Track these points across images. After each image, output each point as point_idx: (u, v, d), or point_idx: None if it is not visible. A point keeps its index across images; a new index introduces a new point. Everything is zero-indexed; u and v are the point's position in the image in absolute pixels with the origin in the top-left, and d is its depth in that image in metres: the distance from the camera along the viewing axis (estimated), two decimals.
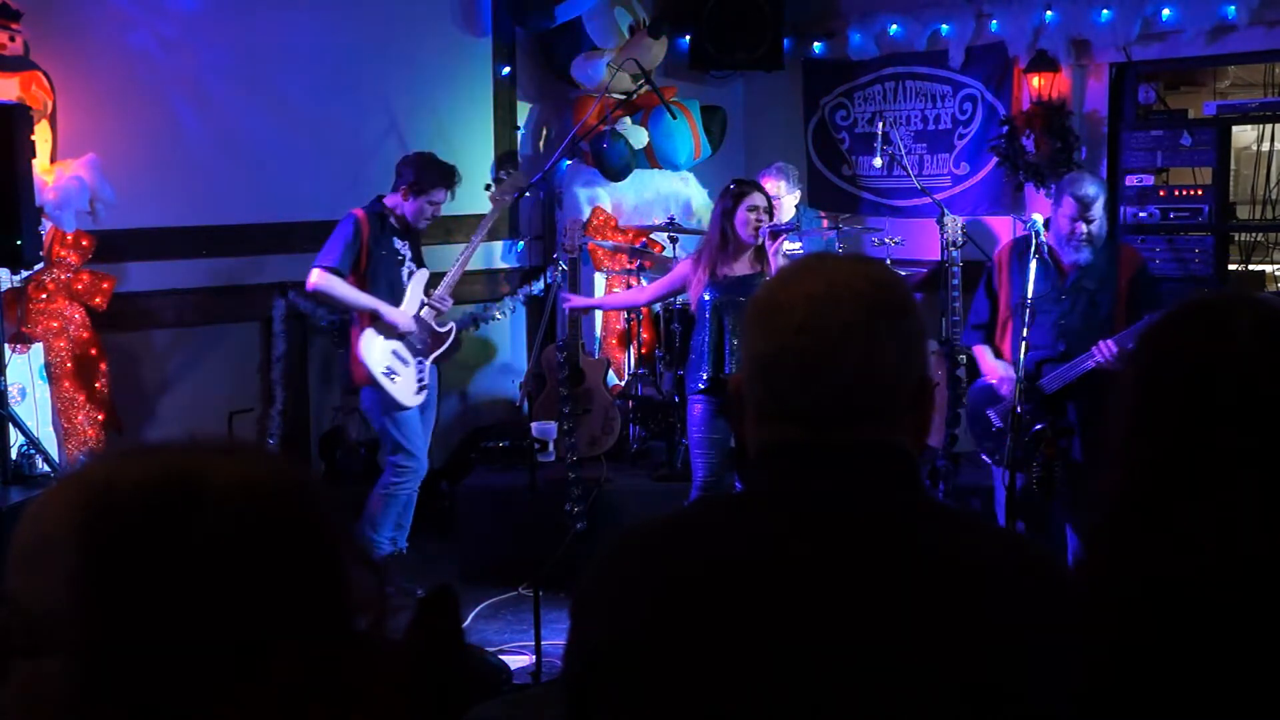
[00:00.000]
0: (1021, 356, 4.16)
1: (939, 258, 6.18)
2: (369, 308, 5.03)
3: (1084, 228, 4.30)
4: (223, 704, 0.93)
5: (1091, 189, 4.33)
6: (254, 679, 0.94)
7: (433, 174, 5.12)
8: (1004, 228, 6.55)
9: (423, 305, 5.21)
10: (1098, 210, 4.32)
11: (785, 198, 6.18)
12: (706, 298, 4.87)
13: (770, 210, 4.91)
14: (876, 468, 1.28)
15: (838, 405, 1.26)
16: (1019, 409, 4.11)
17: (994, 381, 4.50)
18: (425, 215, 5.18)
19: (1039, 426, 4.28)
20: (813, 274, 1.32)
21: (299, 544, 0.99)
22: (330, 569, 1.00)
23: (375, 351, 5.04)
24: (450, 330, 5.35)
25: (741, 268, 4.88)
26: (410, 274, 5.23)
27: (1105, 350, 4.17)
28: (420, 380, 5.19)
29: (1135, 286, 4.37)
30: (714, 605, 1.24)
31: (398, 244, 5.18)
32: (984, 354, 4.61)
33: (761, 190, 4.95)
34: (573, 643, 1.33)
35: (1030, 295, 4.22)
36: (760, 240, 4.83)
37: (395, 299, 5.12)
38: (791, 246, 5.99)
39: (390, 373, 5.07)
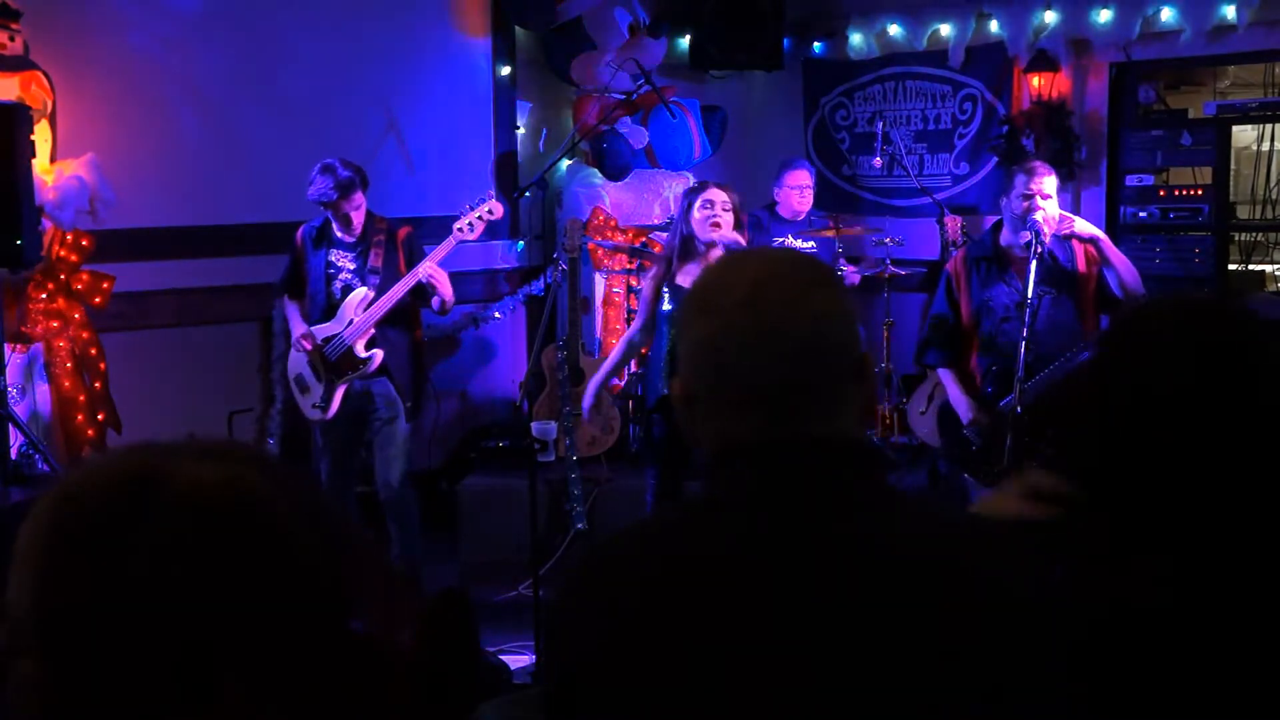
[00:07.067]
0: (1021, 355, 4.12)
1: (939, 258, 6.19)
2: (288, 320, 5.11)
3: (1039, 202, 4.22)
4: (205, 711, 0.92)
5: (1035, 162, 4.38)
6: (239, 684, 0.93)
7: (313, 190, 4.78)
8: None
9: (349, 324, 4.86)
10: (1050, 185, 4.26)
11: (809, 190, 6.39)
12: (664, 308, 4.73)
13: (738, 210, 4.69)
14: (833, 465, 1.27)
15: (787, 378, 1.25)
16: (1018, 409, 4.09)
17: (963, 419, 4.37)
18: (341, 226, 4.87)
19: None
20: (748, 261, 1.37)
21: (261, 548, 0.96)
22: (311, 572, 0.98)
23: (294, 361, 5.09)
24: (370, 358, 4.84)
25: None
26: (347, 288, 4.87)
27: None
28: (317, 405, 4.94)
29: (1099, 272, 4.29)
30: (683, 616, 1.23)
31: (333, 255, 4.90)
32: (952, 381, 4.44)
33: (725, 190, 4.72)
34: (548, 663, 1.34)
35: (1031, 293, 4.16)
36: (715, 241, 4.62)
37: (314, 313, 4.97)
38: (806, 245, 6.03)
39: (300, 383, 5.07)
